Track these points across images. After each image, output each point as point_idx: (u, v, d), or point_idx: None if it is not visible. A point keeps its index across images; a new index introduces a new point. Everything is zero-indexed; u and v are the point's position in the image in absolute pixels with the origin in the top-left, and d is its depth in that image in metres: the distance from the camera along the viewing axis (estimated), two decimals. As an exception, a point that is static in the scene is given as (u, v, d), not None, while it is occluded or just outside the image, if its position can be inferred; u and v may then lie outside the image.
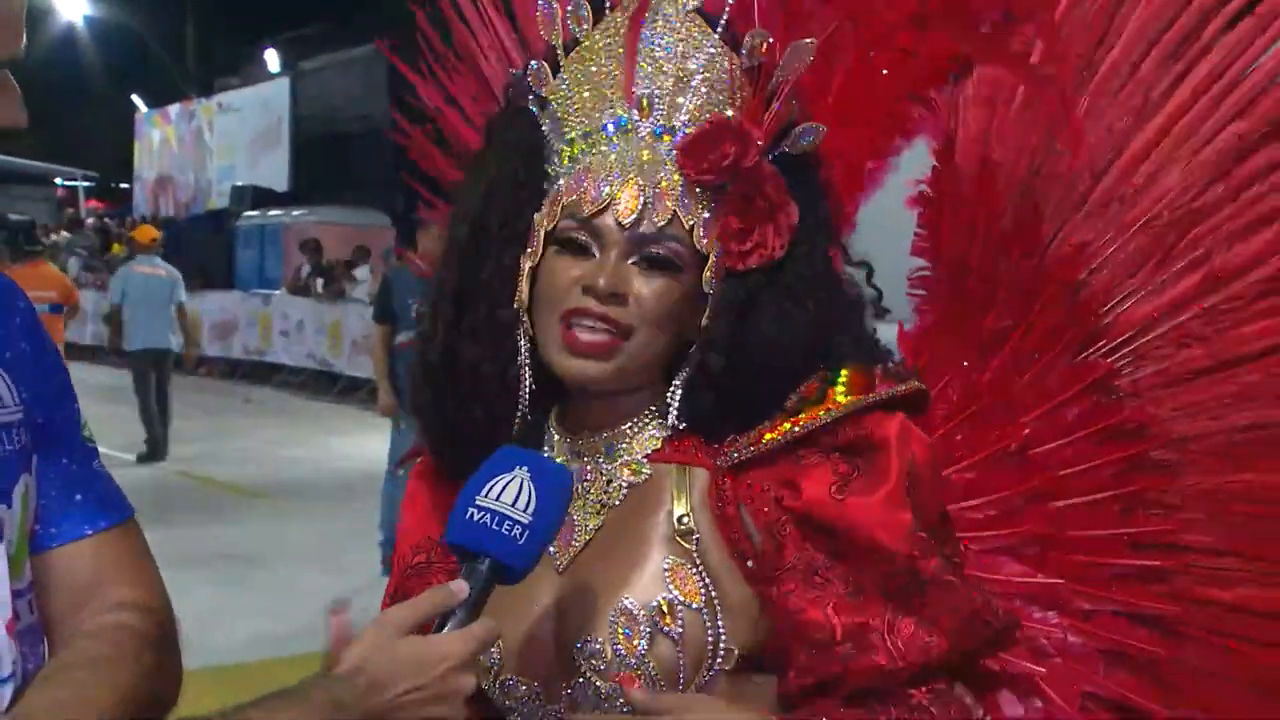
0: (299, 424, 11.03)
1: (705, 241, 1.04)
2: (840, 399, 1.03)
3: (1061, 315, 1.14)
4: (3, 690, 0.93)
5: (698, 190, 1.04)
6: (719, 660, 1.03)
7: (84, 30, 23.17)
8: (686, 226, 1.04)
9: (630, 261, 1.04)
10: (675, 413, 1.07)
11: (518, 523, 0.96)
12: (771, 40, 1.04)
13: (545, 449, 1.13)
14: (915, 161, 1.27)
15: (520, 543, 0.96)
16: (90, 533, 1.02)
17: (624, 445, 1.09)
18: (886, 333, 1.23)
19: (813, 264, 1.07)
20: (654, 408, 1.10)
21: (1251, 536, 1.10)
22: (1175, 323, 1.12)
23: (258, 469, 8.45)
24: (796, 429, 1.02)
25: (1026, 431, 1.14)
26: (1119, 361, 1.14)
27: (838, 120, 1.19)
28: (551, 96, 1.09)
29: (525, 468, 0.99)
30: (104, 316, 10.12)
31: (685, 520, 1.04)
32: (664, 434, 1.09)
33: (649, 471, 1.08)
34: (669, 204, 1.03)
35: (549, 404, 1.13)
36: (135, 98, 23.83)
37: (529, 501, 0.97)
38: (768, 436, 1.04)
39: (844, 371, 1.05)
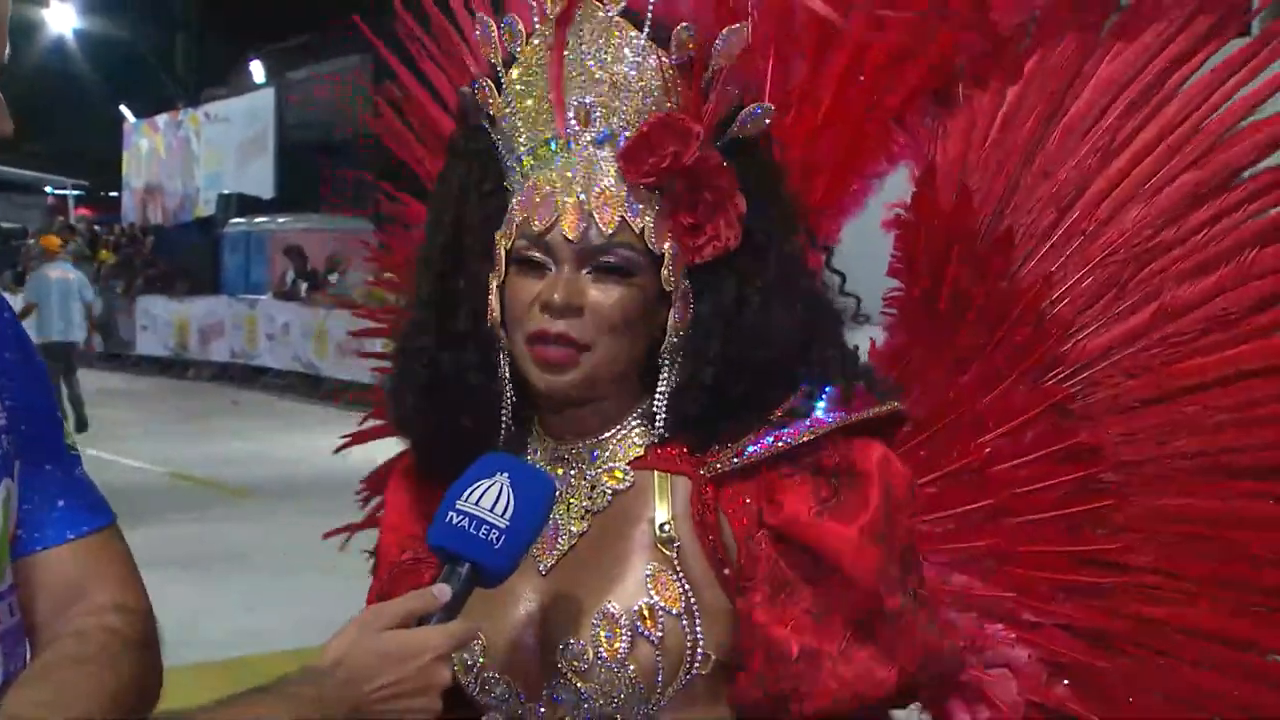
0: (285, 425, 10.96)
1: (657, 241, 1.03)
2: (824, 414, 1.03)
3: (1026, 339, 1.16)
4: (-14, 691, 0.91)
5: (643, 191, 1.02)
6: (696, 665, 1.03)
7: (73, 42, 22.93)
8: (637, 230, 1.02)
9: (585, 272, 1.02)
10: (662, 420, 1.06)
11: (495, 527, 0.96)
12: (695, 31, 1.03)
13: (529, 455, 1.12)
14: (894, 185, 1.29)
15: (498, 547, 0.96)
16: (72, 537, 1.01)
17: (607, 452, 1.08)
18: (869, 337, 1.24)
19: (774, 246, 1.06)
20: (636, 414, 1.09)
21: (1183, 557, 1.14)
22: (1127, 353, 1.15)
23: (245, 469, 8.39)
24: (780, 444, 1.02)
25: (988, 450, 1.16)
26: (1075, 387, 1.16)
27: (825, 135, 1.21)
28: (498, 114, 1.07)
29: (506, 474, 0.98)
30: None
31: (667, 528, 1.04)
32: (647, 441, 1.08)
33: (632, 478, 1.07)
34: (615, 212, 1.02)
35: (531, 412, 1.12)
36: (124, 108, 23.62)
37: (507, 506, 0.96)
38: (751, 449, 1.03)
39: (828, 388, 1.05)
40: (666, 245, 1.03)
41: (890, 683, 1.00)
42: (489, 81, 1.08)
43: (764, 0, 1.23)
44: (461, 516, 0.96)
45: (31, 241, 19.60)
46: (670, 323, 1.05)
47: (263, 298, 14.38)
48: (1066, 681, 1.14)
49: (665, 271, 1.03)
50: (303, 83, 20.30)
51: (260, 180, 19.29)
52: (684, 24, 1.03)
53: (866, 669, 1.00)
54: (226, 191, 18.94)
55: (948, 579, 1.15)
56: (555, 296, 1.01)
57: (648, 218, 1.03)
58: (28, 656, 0.98)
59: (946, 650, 1.04)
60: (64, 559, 0.99)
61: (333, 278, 13.25)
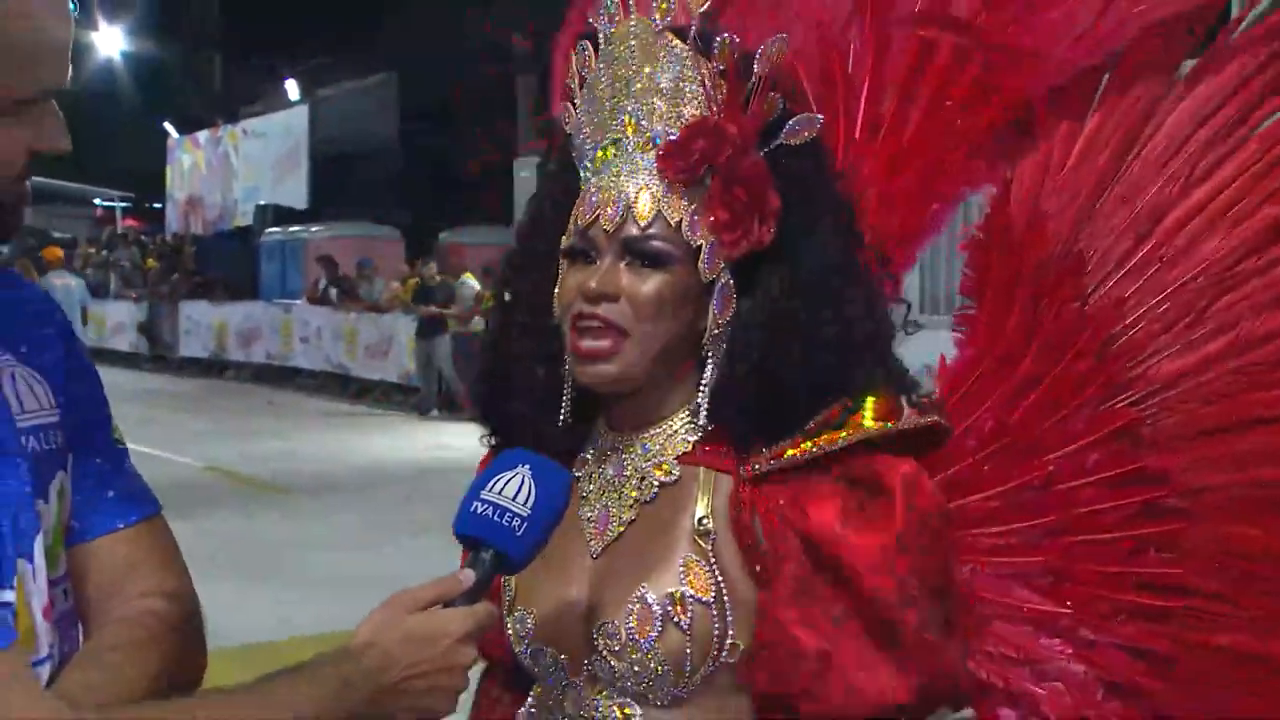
0: (317, 423, 11.01)
1: (693, 234, 1.04)
2: (861, 426, 1.03)
3: (1092, 364, 1.14)
4: (40, 670, 0.92)
5: (681, 188, 1.04)
6: (724, 653, 1.03)
7: (121, 64, 23.09)
8: (673, 223, 1.03)
9: (623, 263, 1.04)
10: (705, 412, 1.06)
11: (517, 515, 0.97)
12: (737, 41, 1.04)
13: (590, 447, 1.13)
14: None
15: (519, 534, 0.96)
16: (121, 526, 1.01)
17: (656, 446, 1.09)
18: (931, 342, 1.23)
19: (817, 250, 1.06)
20: (685, 411, 1.09)
21: (1248, 587, 1.11)
22: (1200, 380, 1.12)
23: (279, 465, 8.42)
24: (815, 449, 1.03)
25: (1050, 469, 1.13)
26: (1145, 411, 1.13)
27: (910, 159, 1.21)
28: (572, 130, 1.11)
29: (527, 466, 0.99)
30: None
31: (705, 521, 1.05)
32: (694, 437, 1.08)
33: (679, 473, 1.07)
34: (651, 205, 1.03)
35: (594, 408, 1.13)
36: (167, 125, 23.75)
37: (529, 496, 0.97)
38: (789, 453, 1.04)
39: (869, 400, 1.05)
40: (703, 239, 1.04)
41: (899, 697, 1.00)
42: (569, 103, 1.11)
43: (862, 33, 1.24)
44: (486, 505, 0.97)
45: (93, 249, 19.81)
46: (710, 315, 1.06)
47: (297, 303, 14.43)
48: (1120, 701, 1.11)
49: (702, 263, 1.04)
50: (334, 99, 20.41)
51: (294, 192, 19.39)
52: (725, 35, 1.04)
53: (877, 680, 0.99)
54: (263, 203, 19.06)
55: (1005, 591, 1.13)
56: (593, 283, 1.03)
57: (684, 212, 1.04)
58: (80, 639, 0.99)
59: (959, 676, 1.03)
60: (113, 547, 1.00)
61: (365, 285, 13.31)
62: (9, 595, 0.90)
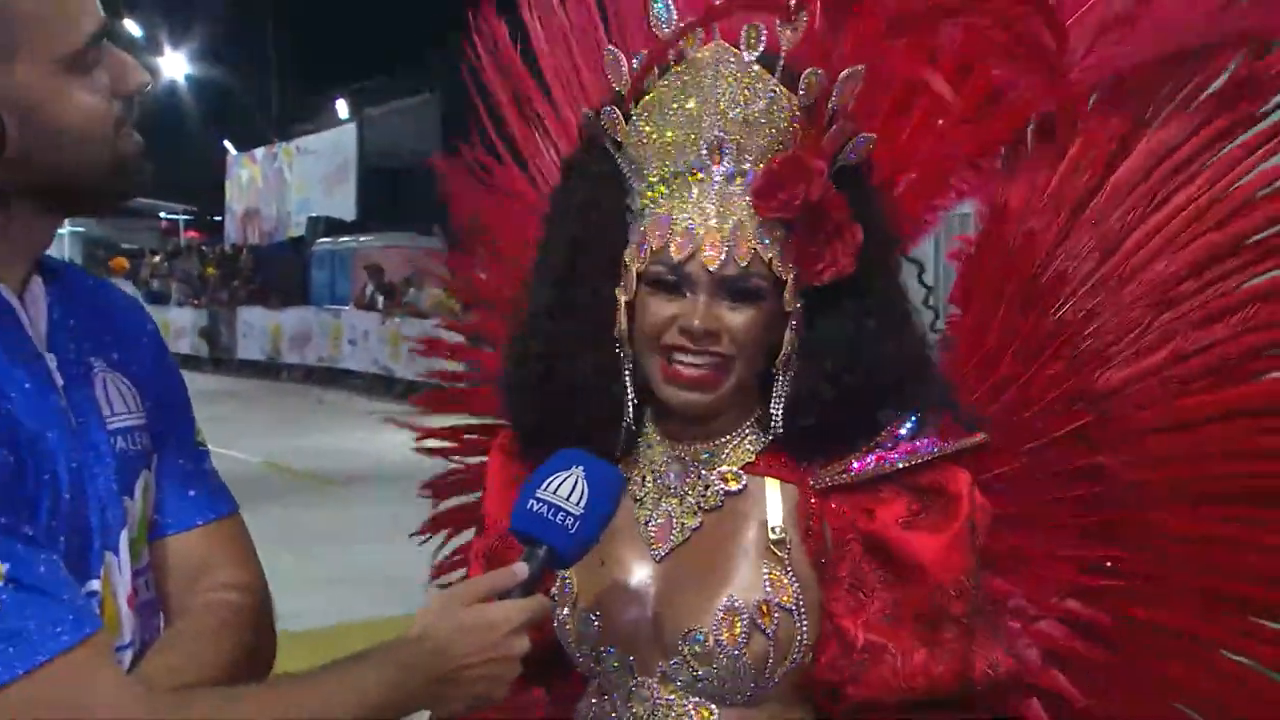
0: (364, 421, 11.06)
1: (783, 269, 1.03)
2: (921, 440, 1.05)
3: (1062, 369, 1.19)
4: (123, 655, 0.94)
5: (771, 224, 1.02)
6: (800, 654, 1.04)
7: (184, 87, 23.41)
8: (765, 260, 1.02)
9: (720, 298, 1.02)
10: (778, 429, 1.06)
11: (570, 514, 0.96)
12: (822, 74, 1.02)
13: (644, 453, 1.12)
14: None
15: (572, 532, 0.96)
16: (201, 523, 1.03)
17: (722, 455, 1.08)
18: None
19: (882, 270, 1.07)
20: (751, 422, 1.09)
21: (1174, 567, 1.17)
22: (1140, 387, 1.18)
23: (330, 460, 8.48)
24: (884, 465, 1.04)
25: (1019, 464, 1.18)
26: (1096, 414, 1.19)
27: (905, 167, 1.22)
28: (625, 140, 1.06)
29: (581, 467, 0.99)
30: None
31: (778, 530, 1.05)
32: (757, 448, 1.08)
33: (745, 481, 1.07)
34: (749, 244, 1.01)
35: (643, 412, 1.12)
36: (227, 143, 24.02)
37: (582, 496, 0.97)
38: (856, 465, 1.05)
39: (925, 416, 1.06)
40: (790, 271, 1.03)
41: (946, 680, 1.01)
42: (616, 110, 1.06)
43: (855, 47, 1.22)
44: (541, 504, 0.97)
45: (158, 259, 20.04)
46: (786, 338, 1.05)
47: (346, 308, 14.52)
48: (1059, 669, 1.17)
49: (788, 295, 1.03)
50: (381, 118, 20.53)
51: (344, 205, 19.52)
52: (813, 69, 1.02)
53: (925, 665, 1.01)
54: (314, 215, 19.20)
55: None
56: (696, 323, 1.01)
57: (776, 248, 1.03)
58: (161, 626, 1.00)
59: (997, 666, 1.05)
60: (193, 541, 1.01)
61: (410, 292, 13.38)
62: (95, 585, 0.91)
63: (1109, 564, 1.17)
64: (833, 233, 1.02)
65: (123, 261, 11.78)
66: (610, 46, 1.10)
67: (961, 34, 1.22)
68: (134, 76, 0.90)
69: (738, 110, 1.02)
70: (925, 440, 1.06)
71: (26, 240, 0.91)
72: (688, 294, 1.02)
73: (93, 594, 0.90)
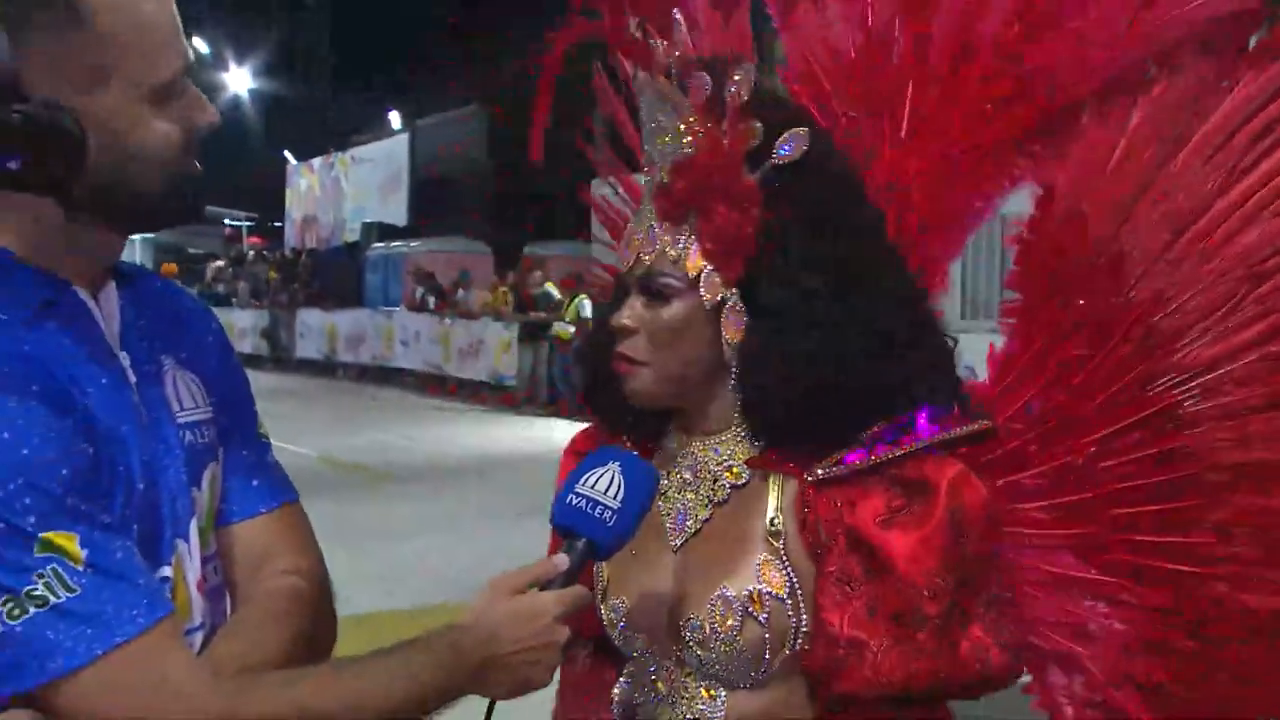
0: (415, 418, 11.19)
1: (690, 265, 1.02)
2: (914, 432, 1.02)
3: (1133, 351, 1.12)
4: (194, 637, 0.95)
5: (679, 224, 1.03)
6: (799, 641, 1.03)
7: (248, 100, 23.84)
8: (672, 258, 1.03)
9: (640, 300, 1.05)
10: (748, 426, 1.07)
11: (608, 508, 0.97)
12: (702, 75, 1.01)
13: (669, 447, 1.14)
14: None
15: (610, 525, 0.97)
16: (264, 511, 1.04)
17: (726, 451, 1.08)
18: (974, 346, 1.21)
19: (819, 252, 1.01)
20: (740, 419, 1.08)
21: (1275, 555, 1.09)
22: (1238, 364, 1.10)
23: (383, 455, 8.56)
24: (872, 458, 1.02)
25: (1093, 449, 1.12)
26: (1185, 394, 1.11)
27: (954, 156, 1.17)
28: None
29: (617, 463, 0.99)
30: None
31: (775, 522, 1.04)
32: (761, 442, 1.07)
33: (749, 475, 1.07)
34: (655, 245, 1.04)
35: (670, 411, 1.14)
36: (286, 153, 24.43)
37: (619, 491, 0.97)
38: (848, 458, 1.03)
39: (924, 407, 1.03)
40: (701, 268, 1.03)
41: (920, 680, 0.99)
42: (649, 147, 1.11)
43: (903, 34, 1.20)
44: (580, 499, 0.98)
45: (220, 264, 20.41)
46: (724, 336, 1.04)
47: (398, 310, 14.69)
48: (1152, 658, 1.10)
49: (701, 289, 1.03)
50: (431, 129, 20.75)
51: (396, 211, 19.76)
52: (701, 74, 1.01)
53: (901, 664, 0.99)
54: (368, 221, 19.43)
55: (1051, 559, 1.12)
56: (614, 320, 1.06)
57: (681, 246, 1.03)
58: (228, 610, 1.01)
59: (985, 662, 1.01)
60: (257, 529, 1.03)
61: (460, 294, 13.50)
62: (167, 571, 0.93)
63: (1199, 552, 1.09)
64: (728, 227, 1.01)
65: (171, 267, 12.07)
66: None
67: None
68: (206, 114, 0.93)
69: (653, 124, 1.05)
70: (922, 430, 1.02)
71: (99, 249, 0.93)
72: (627, 297, 1.07)
73: (165, 579, 0.92)
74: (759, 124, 1.01)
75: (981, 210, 1.21)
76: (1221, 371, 1.10)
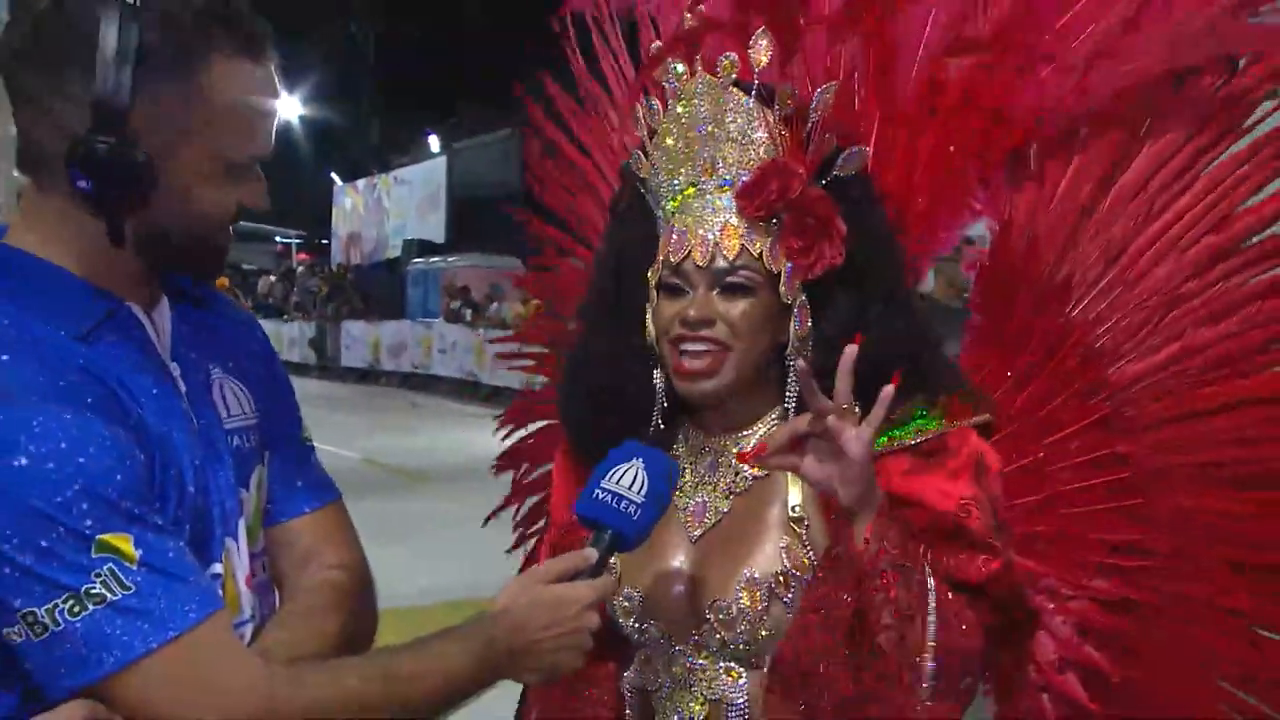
0: (453, 423, 11.24)
1: (774, 262, 1.04)
2: (931, 425, 1.05)
3: (1076, 365, 1.20)
4: (244, 630, 0.96)
5: (759, 224, 1.05)
6: None
7: (297, 125, 24.20)
8: (755, 254, 1.04)
9: (715, 293, 1.05)
10: (793, 414, 1.07)
11: (633, 502, 0.98)
12: (793, 89, 1.06)
13: (678, 447, 1.14)
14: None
15: (635, 518, 0.97)
16: (308, 510, 1.05)
17: (749, 445, 1.09)
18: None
19: (878, 266, 1.08)
20: (775, 414, 1.10)
21: (1199, 546, 1.16)
22: (1154, 380, 1.18)
23: (421, 457, 8.62)
24: (893, 444, 1.04)
25: (1042, 454, 1.19)
26: (1115, 405, 1.19)
27: (921, 191, 1.23)
28: (647, 176, 1.11)
29: (640, 459, 1.00)
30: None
31: (798, 508, 1.06)
32: None
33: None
34: (735, 241, 1.04)
35: (681, 414, 1.14)
36: (333, 174, 24.76)
37: (643, 486, 0.98)
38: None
39: (938, 399, 1.06)
40: (782, 265, 1.05)
41: (990, 568, 0.99)
42: (640, 152, 1.12)
43: (868, 78, 1.26)
44: (605, 493, 0.98)
45: (273, 278, 20.67)
46: (791, 331, 1.06)
47: (436, 321, 14.79)
48: (1093, 644, 1.17)
49: (782, 286, 1.05)
50: (468, 152, 20.91)
51: (435, 229, 19.90)
52: (785, 85, 1.05)
53: (967, 563, 0.99)
54: (409, 238, 19.61)
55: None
56: (691, 312, 1.05)
57: (764, 244, 1.05)
58: (275, 603, 1.02)
59: (1018, 586, 1.04)
60: (302, 527, 1.04)
61: (493, 306, 13.57)
62: (218, 568, 0.94)
63: (1137, 542, 1.16)
64: (818, 229, 1.03)
65: (224, 281, 12.18)
66: (639, 102, 1.14)
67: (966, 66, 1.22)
68: (261, 200, 0.94)
69: (721, 130, 1.05)
70: (934, 420, 1.06)
71: (144, 275, 0.94)
72: (689, 292, 1.05)
73: (215, 576, 0.93)
74: (834, 137, 1.05)
75: (945, 239, 1.28)
76: (1143, 386, 1.18)
